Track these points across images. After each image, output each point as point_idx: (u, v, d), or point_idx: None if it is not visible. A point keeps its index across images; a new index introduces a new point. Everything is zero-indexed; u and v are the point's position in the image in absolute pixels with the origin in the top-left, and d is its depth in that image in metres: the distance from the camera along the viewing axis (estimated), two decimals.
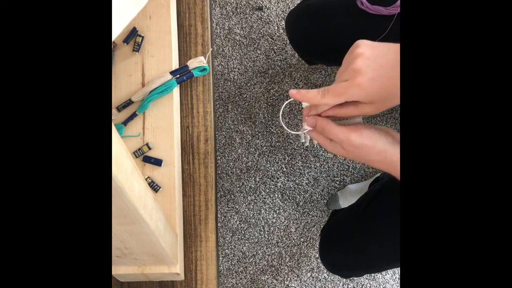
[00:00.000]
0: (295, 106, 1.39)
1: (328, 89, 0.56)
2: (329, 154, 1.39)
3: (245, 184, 1.40)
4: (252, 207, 1.39)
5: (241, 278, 1.37)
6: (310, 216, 1.39)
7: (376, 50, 0.55)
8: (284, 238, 1.38)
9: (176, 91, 0.76)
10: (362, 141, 0.57)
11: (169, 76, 0.75)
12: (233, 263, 1.38)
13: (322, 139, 0.60)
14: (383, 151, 0.58)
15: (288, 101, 0.63)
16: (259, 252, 1.38)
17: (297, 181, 1.39)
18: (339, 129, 0.57)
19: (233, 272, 1.37)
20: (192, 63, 0.77)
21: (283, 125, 0.64)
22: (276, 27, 1.44)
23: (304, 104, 0.61)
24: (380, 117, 1.39)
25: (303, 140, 0.65)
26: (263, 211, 1.39)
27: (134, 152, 0.74)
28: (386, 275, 1.34)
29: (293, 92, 0.58)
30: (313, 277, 1.36)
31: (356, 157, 0.59)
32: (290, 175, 1.39)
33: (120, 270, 0.69)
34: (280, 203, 1.39)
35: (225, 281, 1.37)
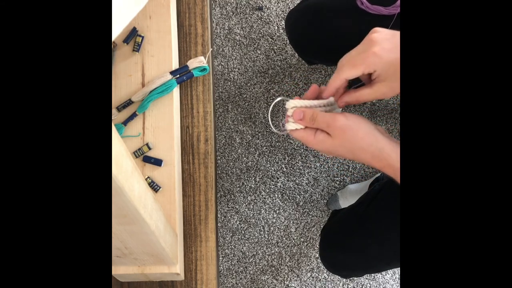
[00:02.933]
0: None
1: (343, 64, 0.58)
2: None
3: (245, 184, 1.39)
4: (252, 207, 1.39)
5: (241, 278, 1.37)
6: (310, 216, 1.39)
7: (393, 32, 0.57)
8: (284, 238, 1.38)
9: (176, 91, 0.76)
10: (348, 123, 0.57)
11: (169, 76, 0.75)
12: (233, 263, 1.37)
13: (307, 135, 0.60)
14: (370, 135, 0.58)
15: (276, 100, 0.64)
16: (259, 252, 1.38)
17: (297, 181, 1.39)
18: (326, 114, 0.58)
19: (233, 272, 1.37)
20: (192, 63, 0.77)
21: (271, 124, 0.64)
22: (276, 27, 1.44)
23: (289, 105, 0.61)
24: (380, 117, 1.39)
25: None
26: (263, 211, 1.39)
27: (134, 152, 0.74)
28: (386, 275, 1.34)
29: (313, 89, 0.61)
30: (313, 277, 1.36)
31: (342, 146, 0.58)
32: (290, 175, 1.39)
33: (120, 270, 0.69)
34: (280, 203, 1.39)
35: (225, 281, 1.37)
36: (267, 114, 0.61)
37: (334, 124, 0.57)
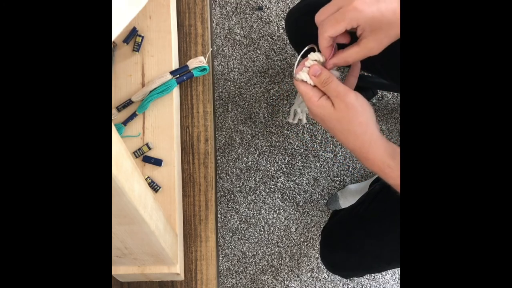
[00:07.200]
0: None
1: (323, 22, 0.57)
2: (329, 154, 1.39)
3: (245, 184, 1.39)
4: (252, 207, 1.39)
5: (241, 278, 1.37)
6: (310, 216, 1.39)
7: None
8: (284, 238, 1.38)
9: (176, 91, 0.76)
10: (355, 104, 0.57)
11: (169, 76, 0.75)
12: (233, 263, 1.37)
13: (313, 94, 0.59)
14: (369, 125, 0.58)
15: (307, 47, 0.62)
16: (259, 252, 1.38)
17: (297, 181, 1.39)
18: (340, 84, 0.58)
19: (233, 272, 1.37)
20: (192, 63, 0.77)
21: (295, 66, 0.62)
22: (276, 27, 1.44)
23: (312, 57, 0.60)
24: (380, 117, 1.39)
25: (291, 120, 0.64)
26: (263, 211, 1.39)
27: (134, 152, 0.74)
28: (386, 275, 1.34)
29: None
30: (313, 277, 1.36)
31: (339, 121, 0.58)
32: (290, 175, 1.39)
33: (120, 270, 0.69)
34: (280, 203, 1.39)
35: (225, 281, 1.37)
36: (298, 56, 0.61)
37: (344, 98, 0.57)
